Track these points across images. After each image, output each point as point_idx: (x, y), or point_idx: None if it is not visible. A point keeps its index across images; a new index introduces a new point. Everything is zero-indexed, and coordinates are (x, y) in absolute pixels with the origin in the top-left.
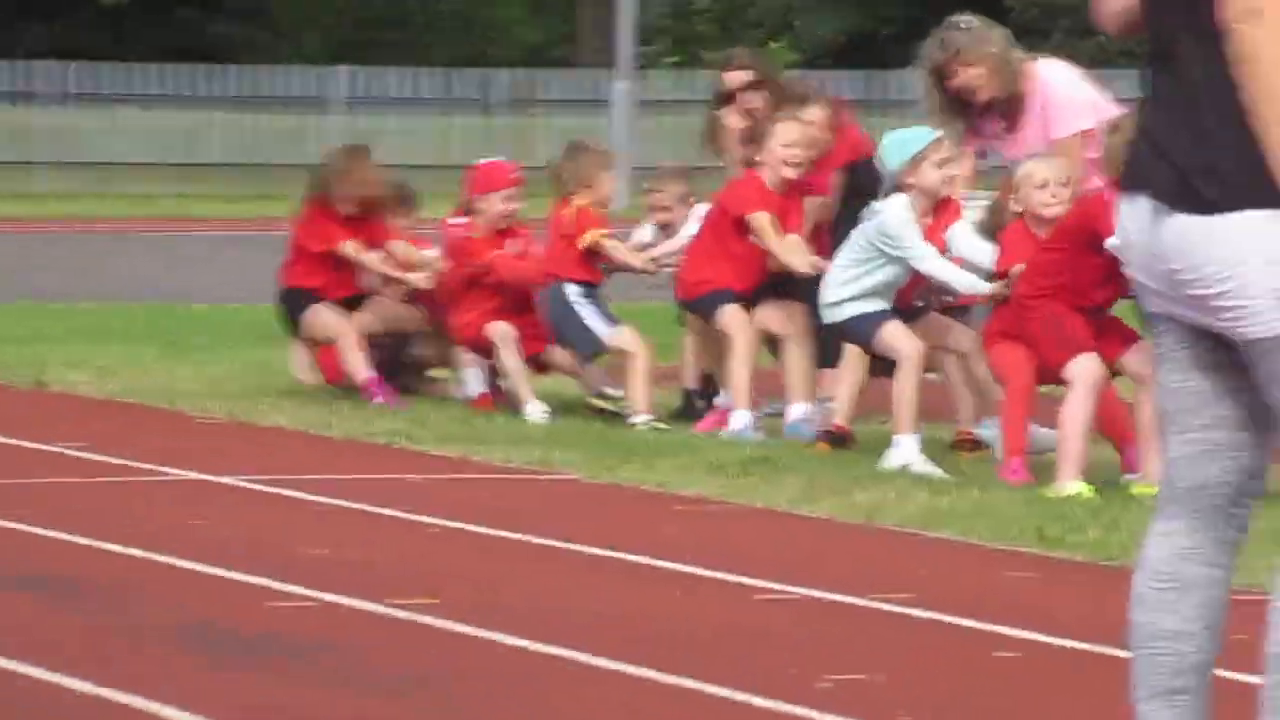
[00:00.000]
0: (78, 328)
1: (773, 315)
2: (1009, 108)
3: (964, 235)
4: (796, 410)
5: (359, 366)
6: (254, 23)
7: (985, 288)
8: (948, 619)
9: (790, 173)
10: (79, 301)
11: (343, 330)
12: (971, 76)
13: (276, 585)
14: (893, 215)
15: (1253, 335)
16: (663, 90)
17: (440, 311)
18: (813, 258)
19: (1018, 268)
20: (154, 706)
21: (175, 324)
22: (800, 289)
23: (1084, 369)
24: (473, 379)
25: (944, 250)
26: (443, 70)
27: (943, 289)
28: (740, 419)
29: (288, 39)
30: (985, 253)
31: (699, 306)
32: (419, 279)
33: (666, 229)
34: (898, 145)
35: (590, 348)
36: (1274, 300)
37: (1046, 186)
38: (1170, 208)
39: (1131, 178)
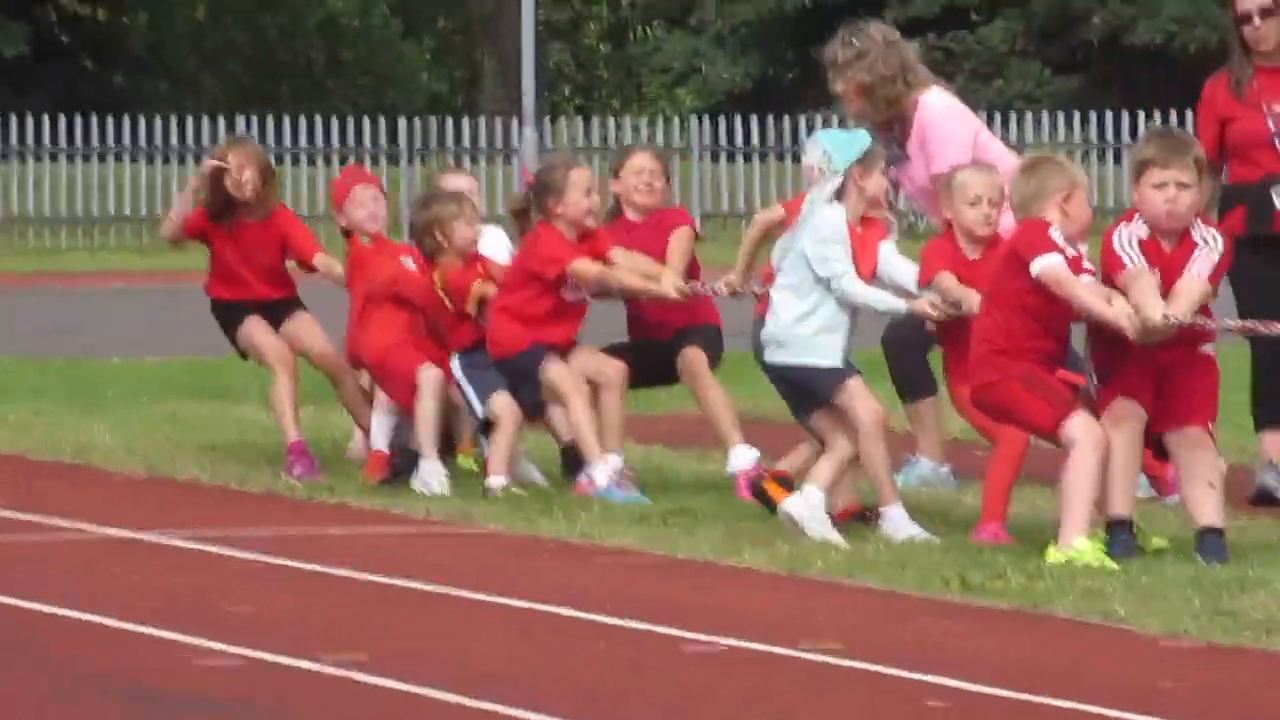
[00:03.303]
0: None
1: (588, 362)
2: (895, 129)
3: (893, 255)
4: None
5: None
6: (154, 73)
7: (903, 305)
8: (877, 668)
9: (591, 222)
10: None
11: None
12: (842, 91)
13: (203, 643)
14: (830, 222)
15: None
16: (568, 138)
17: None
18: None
19: (949, 277)
20: None
21: (87, 378)
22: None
23: (1085, 425)
24: (379, 429)
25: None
26: (349, 118)
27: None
28: (600, 475)
29: (186, 88)
30: (912, 277)
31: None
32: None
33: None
34: (844, 143)
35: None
36: None
37: (979, 204)
38: None
39: None
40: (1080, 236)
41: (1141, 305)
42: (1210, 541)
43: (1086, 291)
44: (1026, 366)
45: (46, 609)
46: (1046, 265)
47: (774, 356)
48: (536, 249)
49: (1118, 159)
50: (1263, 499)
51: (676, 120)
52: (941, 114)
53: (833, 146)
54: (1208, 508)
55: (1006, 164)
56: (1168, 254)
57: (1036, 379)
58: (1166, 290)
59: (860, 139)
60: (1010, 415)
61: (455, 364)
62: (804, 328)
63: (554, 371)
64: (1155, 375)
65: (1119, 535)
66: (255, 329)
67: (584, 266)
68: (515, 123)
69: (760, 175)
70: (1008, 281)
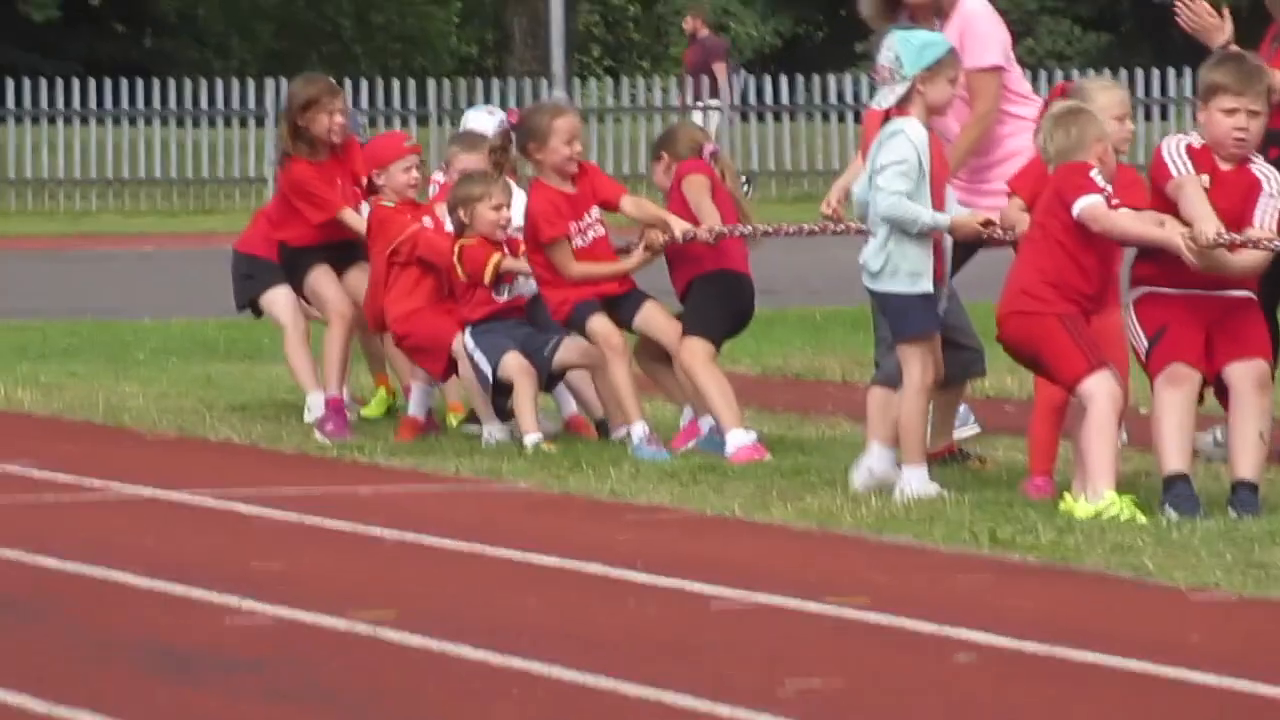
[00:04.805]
0: (20, 345)
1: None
2: (937, 18)
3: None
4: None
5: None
6: (184, 37)
7: (946, 220)
8: (904, 623)
9: (573, 169)
10: (20, 319)
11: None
12: None
13: (233, 602)
14: (911, 139)
15: None
16: (597, 99)
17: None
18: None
19: (1015, 207)
20: None
21: (119, 340)
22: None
23: (1104, 383)
24: (418, 397)
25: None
26: (378, 81)
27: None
28: (636, 432)
29: (215, 51)
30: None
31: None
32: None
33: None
34: (916, 49)
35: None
36: None
37: (1125, 120)
38: None
39: None
40: (1110, 182)
41: (1193, 217)
42: (1244, 495)
43: (1130, 220)
44: (1070, 308)
45: (78, 569)
46: (1086, 205)
47: (866, 282)
48: (532, 210)
49: (1149, 115)
50: None
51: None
52: (984, 13)
53: (904, 51)
54: (1248, 460)
55: (1024, 86)
56: (1223, 171)
57: (1075, 323)
58: (1224, 210)
59: (934, 45)
60: (1037, 350)
61: (466, 335)
62: (885, 255)
63: (597, 327)
64: (1204, 328)
65: (1177, 489)
66: (323, 278)
67: (560, 257)
68: (544, 84)
69: (790, 134)
70: (1049, 221)
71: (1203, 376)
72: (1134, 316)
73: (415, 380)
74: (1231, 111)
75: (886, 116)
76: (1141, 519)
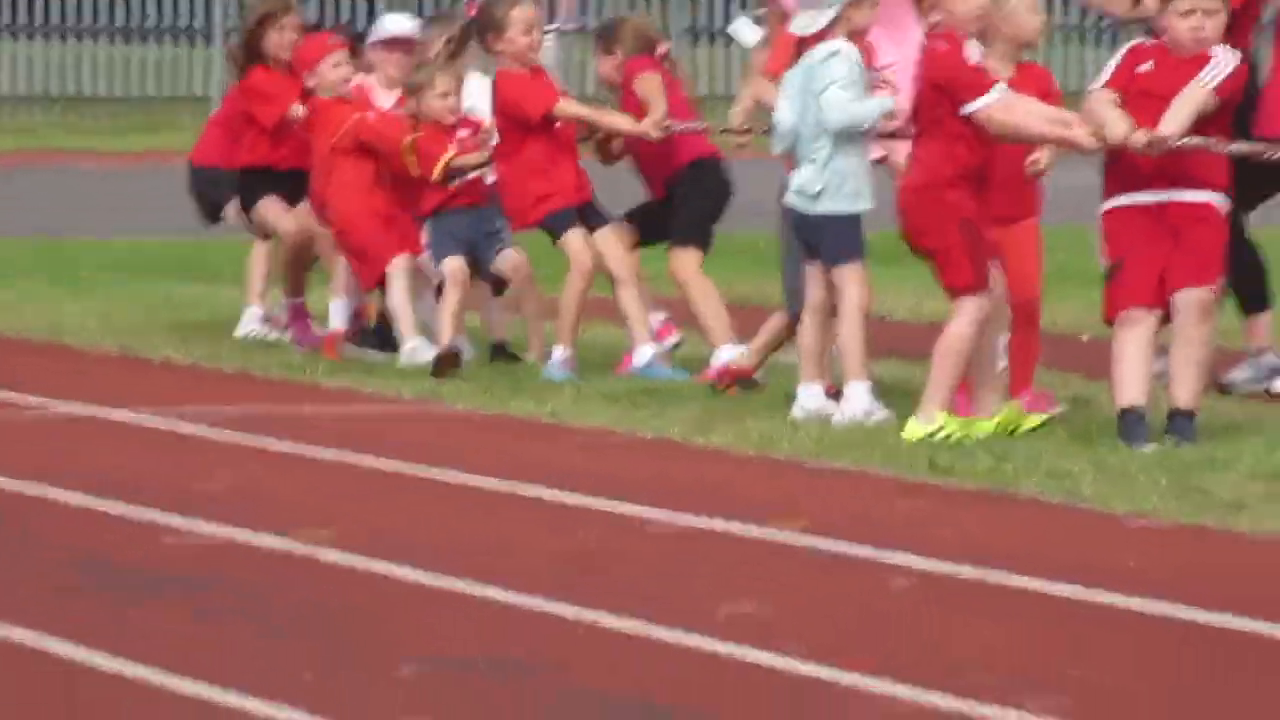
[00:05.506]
0: None
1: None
2: None
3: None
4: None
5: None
6: None
7: (889, 101)
8: (841, 548)
9: (534, 57)
10: None
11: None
12: None
13: (171, 520)
14: (849, 58)
15: None
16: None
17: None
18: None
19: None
20: (49, 643)
21: (61, 258)
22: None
23: (978, 309)
24: (336, 310)
25: None
26: None
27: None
28: (555, 354)
29: None
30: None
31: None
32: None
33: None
34: None
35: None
36: None
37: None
38: None
39: None
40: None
41: (1104, 121)
42: (1180, 423)
43: (1033, 119)
44: (974, 206)
45: (15, 486)
46: (979, 106)
47: (802, 207)
48: (511, 95)
49: (1082, 40)
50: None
51: (657, 1)
52: None
53: None
54: (1186, 389)
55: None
56: (1175, 60)
57: (972, 233)
58: (1171, 96)
59: None
60: (932, 248)
61: (424, 230)
62: (826, 175)
63: (573, 246)
64: (1161, 250)
65: (1129, 419)
66: (272, 204)
67: (568, 107)
68: None
69: (740, 58)
70: (940, 112)
71: (1160, 310)
72: (1100, 230)
73: (335, 295)
74: (1188, 13)
75: (799, 41)
76: (975, 434)
